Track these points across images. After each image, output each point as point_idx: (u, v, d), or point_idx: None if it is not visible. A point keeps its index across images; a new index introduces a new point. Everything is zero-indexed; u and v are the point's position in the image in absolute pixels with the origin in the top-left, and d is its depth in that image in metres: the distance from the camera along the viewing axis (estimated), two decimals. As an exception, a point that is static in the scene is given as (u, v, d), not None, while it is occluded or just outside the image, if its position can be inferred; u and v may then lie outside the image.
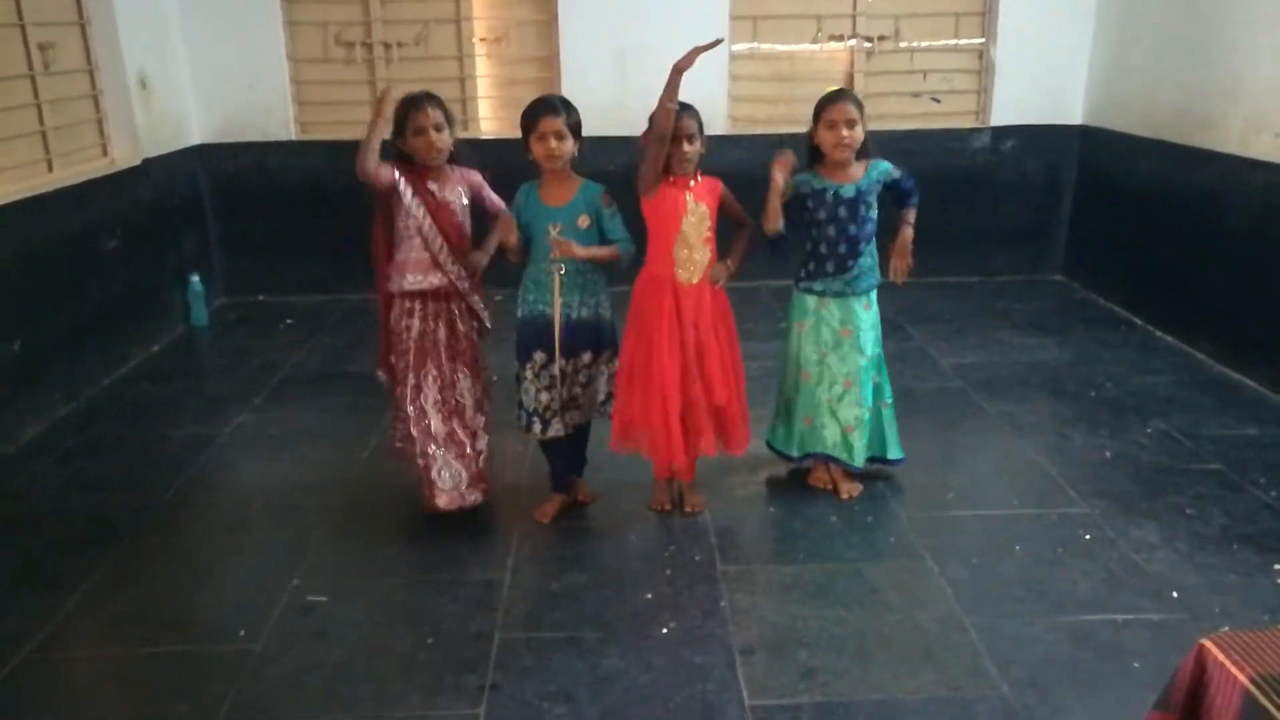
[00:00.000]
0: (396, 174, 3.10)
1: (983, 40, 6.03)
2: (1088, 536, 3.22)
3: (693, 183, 3.15)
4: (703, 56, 2.92)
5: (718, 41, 2.98)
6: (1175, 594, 2.90)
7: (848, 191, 3.26)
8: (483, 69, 5.97)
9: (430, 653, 2.69)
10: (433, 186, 3.15)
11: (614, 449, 3.35)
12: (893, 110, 6.06)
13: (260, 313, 5.87)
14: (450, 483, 3.30)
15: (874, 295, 3.41)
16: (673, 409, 3.21)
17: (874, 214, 3.32)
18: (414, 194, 3.12)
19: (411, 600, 2.96)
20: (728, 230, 3.26)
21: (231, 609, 2.93)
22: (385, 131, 3.03)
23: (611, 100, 5.44)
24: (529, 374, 3.23)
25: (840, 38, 6.00)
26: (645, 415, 3.25)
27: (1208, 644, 1.51)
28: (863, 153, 3.29)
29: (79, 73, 4.88)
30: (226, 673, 2.61)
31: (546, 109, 3.08)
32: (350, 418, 4.24)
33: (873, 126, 6.36)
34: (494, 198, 3.29)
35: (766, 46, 5.96)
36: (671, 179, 3.14)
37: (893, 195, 3.38)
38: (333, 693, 2.54)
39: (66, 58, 4.74)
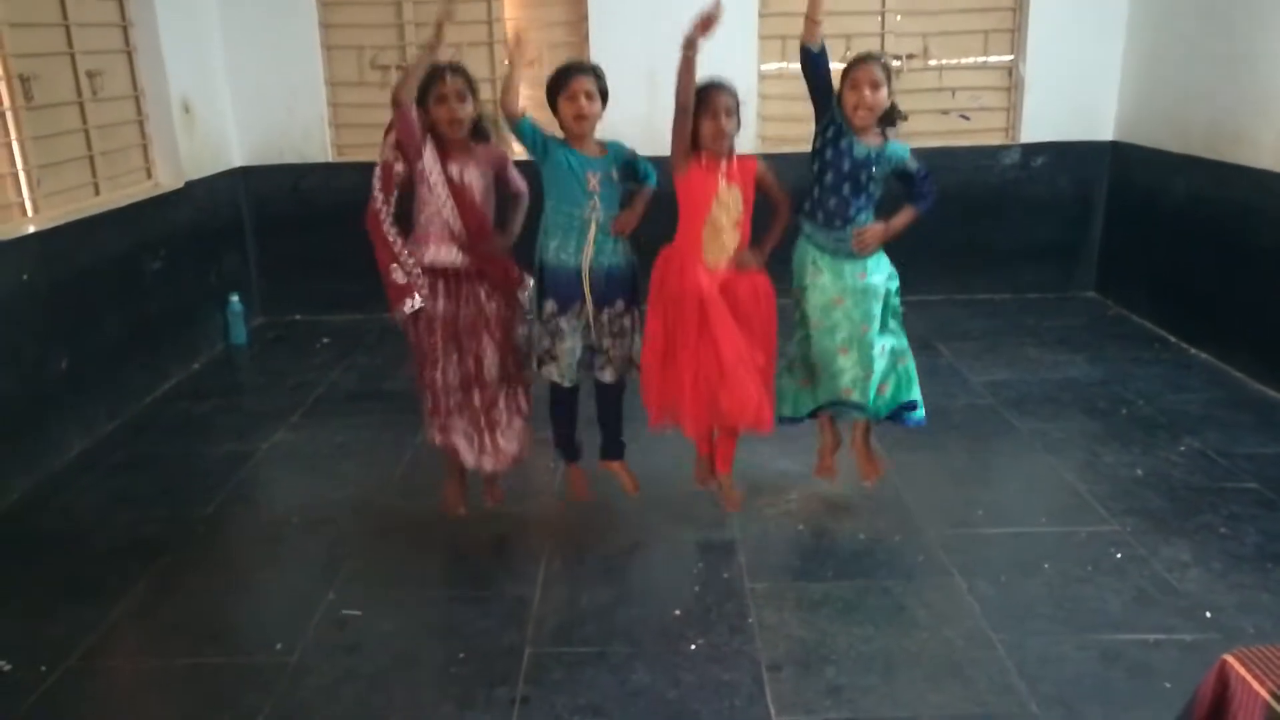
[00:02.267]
0: (428, 143, 3.06)
1: (1012, 57, 6.03)
2: (1118, 555, 3.21)
3: (725, 164, 3.12)
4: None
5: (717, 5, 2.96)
6: (1208, 614, 2.88)
7: (860, 151, 3.18)
8: (515, 91, 6.05)
9: (462, 666, 2.73)
10: (453, 170, 3.10)
11: (652, 429, 3.34)
12: (923, 128, 6.06)
13: (297, 331, 5.98)
14: (466, 446, 3.30)
15: (872, 267, 3.30)
16: (685, 386, 3.17)
17: (873, 190, 3.24)
18: (439, 167, 3.07)
19: (444, 614, 3.01)
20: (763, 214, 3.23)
21: (269, 622, 3.00)
22: (432, 58, 3.00)
23: (642, 117, 5.49)
24: (540, 319, 3.25)
25: (869, 56, 6.03)
26: (677, 395, 3.21)
27: (1229, 659, 1.52)
28: (890, 123, 3.22)
29: (125, 99, 5.02)
30: (263, 684, 2.67)
31: (577, 69, 3.09)
32: (385, 435, 4.31)
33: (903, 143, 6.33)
34: (516, 176, 3.28)
35: (795, 66, 5.98)
36: (703, 160, 3.11)
37: (905, 188, 3.30)
38: (366, 704, 2.59)
39: (113, 84, 4.89)
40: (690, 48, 2.97)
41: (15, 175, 4.15)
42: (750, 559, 3.26)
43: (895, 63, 5.99)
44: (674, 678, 2.65)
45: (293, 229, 6.04)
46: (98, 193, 4.71)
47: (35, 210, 4.23)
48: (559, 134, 3.16)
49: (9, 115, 4.10)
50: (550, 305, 3.22)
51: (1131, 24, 5.83)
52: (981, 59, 6.05)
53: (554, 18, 5.98)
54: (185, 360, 5.27)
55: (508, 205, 3.34)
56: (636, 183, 3.24)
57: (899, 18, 5.98)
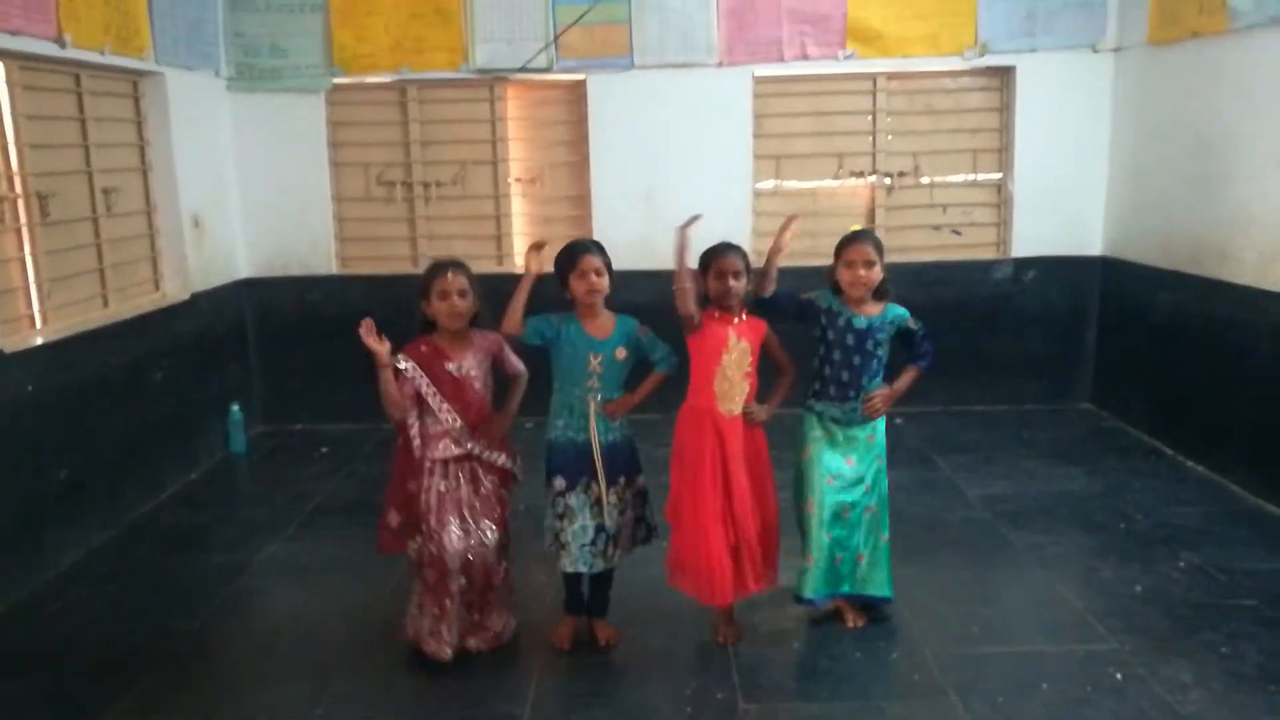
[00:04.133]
0: (410, 374, 3.19)
1: (1001, 175, 6.21)
2: (1118, 675, 3.16)
3: (736, 320, 3.29)
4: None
5: (697, 218, 3.20)
6: (1210, 737, 2.83)
7: (860, 323, 3.36)
8: (518, 207, 6.24)
9: (448, 790, 2.67)
10: (451, 366, 3.24)
11: (669, 585, 3.39)
12: (915, 243, 6.21)
13: (297, 441, 6.00)
14: (453, 632, 3.28)
15: (879, 426, 3.47)
16: (715, 545, 3.26)
17: (882, 354, 3.40)
18: (430, 385, 3.21)
19: (431, 735, 2.95)
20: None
21: (253, 742, 2.94)
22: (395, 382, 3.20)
23: (640, 236, 5.67)
24: (549, 499, 3.30)
25: (861, 174, 6.21)
26: (692, 553, 3.30)
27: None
28: (882, 295, 3.41)
29: (138, 214, 5.17)
30: (244, 808, 2.61)
31: (585, 249, 3.27)
32: (379, 546, 4.28)
33: (895, 259, 6.47)
34: (513, 358, 3.39)
35: (790, 183, 6.18)
36: (716, 314, 3.28)
37: (906, 347, 3.46)
38: (349, 831, 2.53)
39: (127, 200, 5.05)
40: (682, 254, 3.17)
41: (26, 289, 4.25)
42: (744, 678, 3.21)
43: (886, 180, 6.19)
44: (664, 804, 2.59)
45: (296, 339, 6.14)
46: (106, 304, 4.81)
47: (44, 322, 4.32)
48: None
49: (24, 231, 4.23)
50: (559, 482, 3.29)
51: (1114, 144, 6.02)
52: (971, 177, 6.23)
53: (557, 138, 6.19)
54: (184, 469, 5.29)
55: (507, 385, 3.44)
56: (651, 362, 3.36)
57: (890, 137, 6.18)
